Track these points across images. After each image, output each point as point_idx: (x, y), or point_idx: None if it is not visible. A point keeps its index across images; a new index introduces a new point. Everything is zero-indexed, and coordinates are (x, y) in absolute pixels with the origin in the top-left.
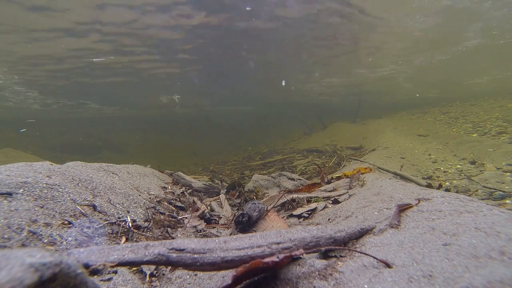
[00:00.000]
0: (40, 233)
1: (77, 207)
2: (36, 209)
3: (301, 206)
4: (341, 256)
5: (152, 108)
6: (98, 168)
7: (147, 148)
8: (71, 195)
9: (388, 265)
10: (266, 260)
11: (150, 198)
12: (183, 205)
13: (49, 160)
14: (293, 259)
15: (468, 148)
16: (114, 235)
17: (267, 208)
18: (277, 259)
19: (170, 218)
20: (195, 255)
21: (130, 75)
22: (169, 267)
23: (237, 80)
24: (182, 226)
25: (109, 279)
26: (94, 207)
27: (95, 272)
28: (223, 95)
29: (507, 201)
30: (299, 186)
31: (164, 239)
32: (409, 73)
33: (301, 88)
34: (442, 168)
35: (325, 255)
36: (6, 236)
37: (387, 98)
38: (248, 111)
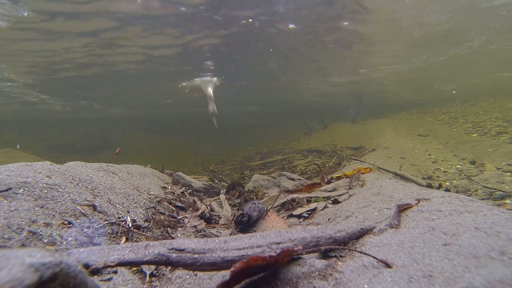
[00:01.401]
0: (40, 233)
1: (77, 207)
2: (36, 209)
3: (301, 206)
4: (341, 256)
5: (154, 108)
6: (98, 168)
7: (147, 148)
8: (71, 195)
9: (388, 265)
10: (264, 255)
11: (150, 198)
12: (183, 205)
13: (49, 160)
14: (293, 259)
15: (468, 148)
16: (114, 235)
17: (267, 208)
18: (274, 254)
19: (170, 218)
20: (195, 255)
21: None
22: (169, 267)
23: (245, 80)
24: (182, 226)
25: (109, 279)
26: (94, 207)
27: (95, 272)
28: (230, 96)
29: (507, 201)
30: (299, 186)
31: (164, 239)
32: (397, 75)
33: (303, 88)
34: (442, 168)
35: (325, 255)
36: (6, 236)
37: (387, 99)
38: (253, 111)
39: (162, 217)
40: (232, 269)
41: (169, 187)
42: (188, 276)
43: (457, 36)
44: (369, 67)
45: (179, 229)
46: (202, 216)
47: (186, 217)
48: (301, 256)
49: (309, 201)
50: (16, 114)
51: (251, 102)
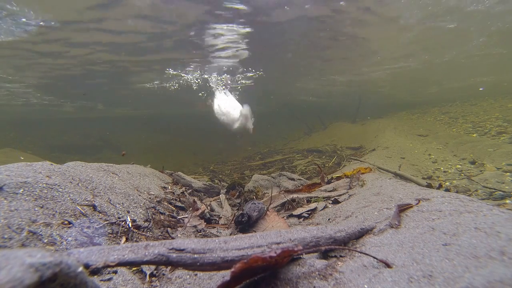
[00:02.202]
0: (40, 233)
1: (77, 207)
2: (36, 209)
3: (301, 206)
4: (341, 256)
5: (154, 107)
6: (98, 168)
7: (147, 148)
8: (71, 195)
9: (388, 265)
10: (265, 255)
11: (150, 198)
12: (183, 205)
13: (49, 160)
14: (293, 259)
15: (468, 148)
16: (114, 235)
17: (267, 208)
18: (274, 254)
19: (170, 218)
20: (195, 255)
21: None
22: (169, 267)
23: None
24: (182, 226)
25: (109, 279)
26: (94, 207)
27: (95, 272)
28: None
29: (507, 201)
30: (299, 186)
31: (164, 239)
32: (395, 75)
33: (305, 87)
34: (442, 168)
35: (325, 255)
36: (6, 236)
37: (386, 99)
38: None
39: (162, 217)
40: (232, 269)
41: (169, 187)
42: (188, 276)
43: (458, 37)
44: (370, 66)
45: (179, 229)
46: (202, 216)
47: (186, 217)
48: (301, 256)
49: (309, 201)
50: (16, 114)
51: (253, 102)
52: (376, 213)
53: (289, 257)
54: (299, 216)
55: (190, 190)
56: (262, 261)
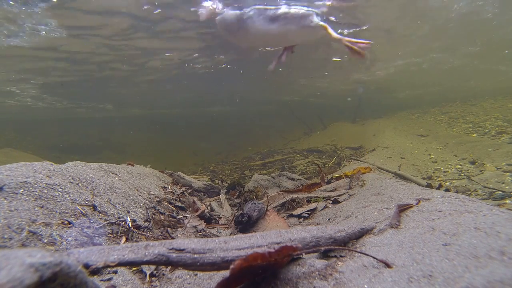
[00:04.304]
0: (40, 233)
1: (77, 207)
2: (36, 209)
3: (301, 206)
4: (341, 256)
5: (154, 107)
6: (98, 168)
7: (147, 148)
8: (71, 195)
9: (388, 265)
10: (264, 251)
11: (150, 198)
12: (183, 205)
13: (49, 160)
14: (293, 259)
15: (468, 148)
16: (114, 235)
17: (267, 208)
18: (273, 250)
19: (170, 218)
20: (195, 255)
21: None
22: (169, 267)
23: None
24: (182, 226)
25: (109, 279)
26: (94, 207)
27: (95, 272)
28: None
29: (507, 201)
30: (299, 186)
31: (164, 239)
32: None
33: (309, 85)
34: (442, 168)
35: (325, 255)
36: (6, 236)
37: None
38: (255, 112)
39: (162, 217)
40: (232, 266)
41: (169, 187)
42: (188, 276)
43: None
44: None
45: (179, 229)
46: (202, 216)
47: (186, 217)
48: (301, 256)
49: (309, 201)
50: (16, 114)
51: (254, 102)
52: (376, 213)
53: (289, 256)
54: (299, 216)
55: (190, 190)
56: (261, 257)
